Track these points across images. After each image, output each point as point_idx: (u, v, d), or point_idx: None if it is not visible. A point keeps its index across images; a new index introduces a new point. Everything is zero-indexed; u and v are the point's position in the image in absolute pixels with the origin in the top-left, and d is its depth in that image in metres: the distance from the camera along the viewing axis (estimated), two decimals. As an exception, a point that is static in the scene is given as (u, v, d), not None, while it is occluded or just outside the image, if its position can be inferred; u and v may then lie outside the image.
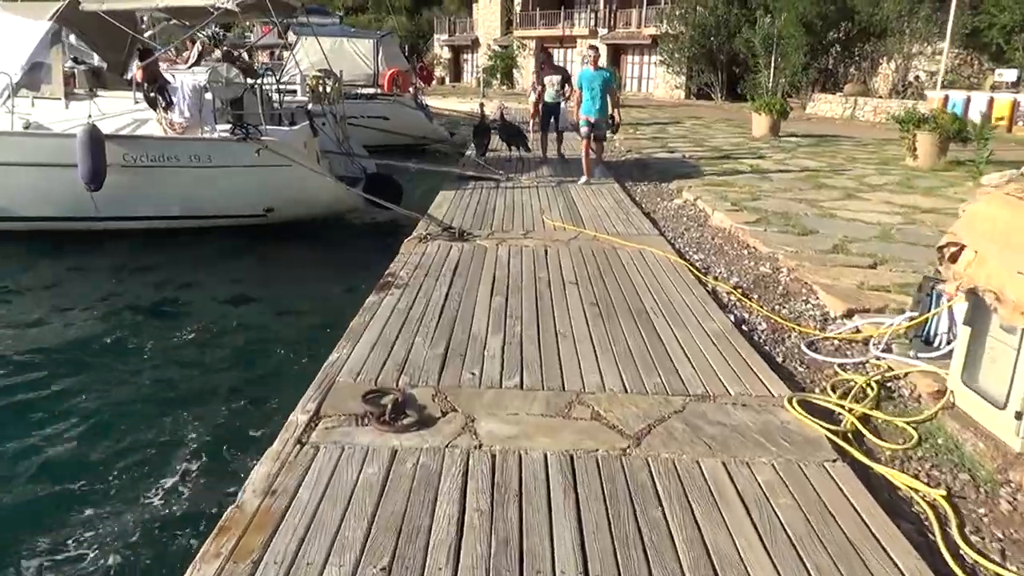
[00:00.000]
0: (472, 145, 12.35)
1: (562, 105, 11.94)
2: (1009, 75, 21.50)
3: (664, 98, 34.37)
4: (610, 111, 10.05)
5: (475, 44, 46.87)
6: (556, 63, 12.89)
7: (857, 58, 28.02)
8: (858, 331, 4.53)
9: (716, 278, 5.79)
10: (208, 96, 8.73)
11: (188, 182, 8.72)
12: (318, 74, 11.09)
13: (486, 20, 45.87)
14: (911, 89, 24.50)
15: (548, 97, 11.76)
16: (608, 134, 10.57)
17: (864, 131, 19.66)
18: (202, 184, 8.78)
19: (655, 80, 36.16)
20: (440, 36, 50.22)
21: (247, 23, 18.26)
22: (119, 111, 9.00)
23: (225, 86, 8.60)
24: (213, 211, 9.09)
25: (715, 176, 10.87)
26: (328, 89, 10.82)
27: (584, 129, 9.92)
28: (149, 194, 8.86)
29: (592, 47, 10.63)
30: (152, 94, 8.78)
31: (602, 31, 37.54)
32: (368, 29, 17.83)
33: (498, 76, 43.09)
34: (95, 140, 8.15)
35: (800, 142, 15.84)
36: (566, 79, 11.95)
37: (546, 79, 11.75)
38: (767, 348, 4.41)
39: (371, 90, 16.93)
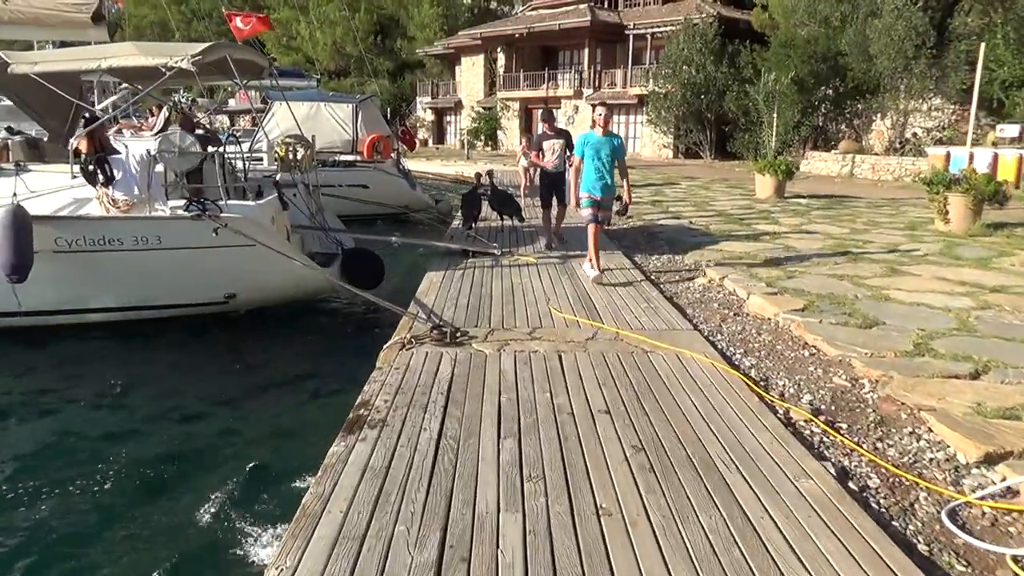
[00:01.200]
0: (460, 215, 11.17)
1: (568, 176, 9.14)
2: (1011, 130, 20.85)
3: (652, 157, 33.76)
4: (618, 188, 7.97)
5: (458, 106, 46.49)
6: (558, 125, 10.48)
7: (848, 115, 27.56)
8: (1014, 492, 3.26)
9: (783, 397, 4.53)
10: (159, 168, 7.52)
11: (134, 268, 7.43)
12: (289, 140, 9.94)
13: (469, 82, 45.59)
14: (909, 146, 23.88)
15: (550, 166, 9.63)
16: (614, 217, 8.38)
17: (869, 190, 18.81)
18: (151, 270, 7.49)
19: (642, 139, 35.64)
20: (423, 99, 49.91)
21: (229, 86, 17.16)
22: (54, 187, 7.75)
23: (178, 156, 7.37)
24: (164, 300, 7.78)
25: (733, 246, 9.73)
26: (299, 156, 9.66)
27: (588, 211, 7.69)
28: (87, 283, 7.56)
29: (602, 104, 8.30)
30: (91, 167, 7.54)
31: (587, 91, 37.14)
32: (348, 94, 16.94)
33: (482, 138, 42.54)
34: (19, 223, 6.87)
35: (810, 204, 14.86)
36: (569, 144, 9.55)
37: (546, 144, 9.54)
38: (894, 521, 3.12)
39: (350, 157, 15.84)
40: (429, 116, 49.96)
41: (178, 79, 8.37)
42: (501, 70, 42.09)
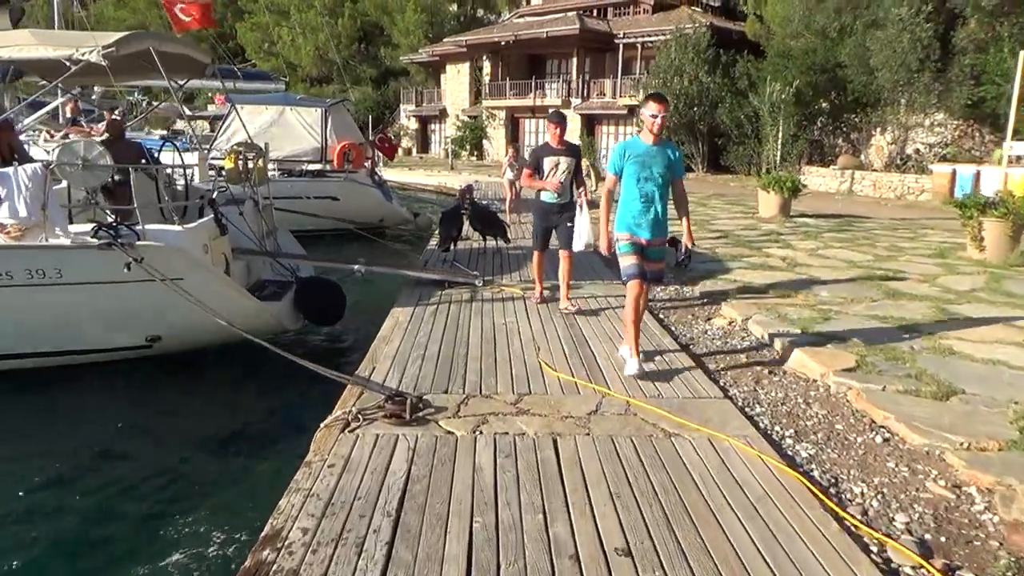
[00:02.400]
0: (438, 234, 9.87)
1: (579, 208, 6.59)
2: (1020, 148, 19.91)
3: (642, 170, 32.63)
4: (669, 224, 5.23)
5: (443, 114, 45.26)
6: (566, 139, 6.97)
7: (846, 129, 26.59)
8: None
9: (867, 515, 3.26)
10: (60, 185, 6.17)
11: (28, 307, 6.06)
12: (238, 148, 8.60)
13: (454, 90, 44.39)
14: (911, 162, 22.89)
15: (548, 195, 6.69)
16: (673, 267, 6.05)
17: (875, 209, 17.72)
18: (49, 309, 6.12)
19: (632, 151, 34.50)
20: (407, 106, 48.63)
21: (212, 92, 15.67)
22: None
23: (82, 169, 6.02)
24: (69, 345, 6.41)
25: (748, 275, 8.49)
26: (248, 165, 8.31)
27: (631, 262, 4.93)
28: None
29: (657, 97, 4.98)
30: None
31: (575, 101, 36.03)
32: (317, 97, 15.65)
33: (467, 147, 41.30)
34: None
35: (819, 225, 13.69)
36: (579, 164, 6.86)
37: (546, 160, 6.65)
38: None
39: (319, 166, 14.51)
40: (413, 124, 48.71)
41: (92, 76, 7.04)
42: (487, 78, 40.94)
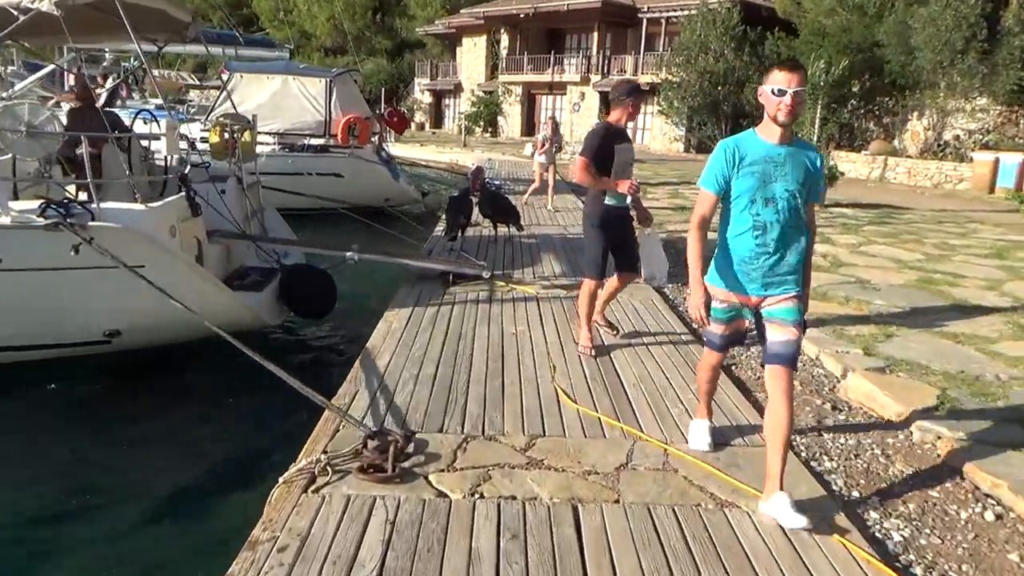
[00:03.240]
0: (444, 219, 8.98)
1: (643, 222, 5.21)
2: (1068, 137, 18.76)
3: (661, 151, 31.56)
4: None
5: (458, 89, 44.10)
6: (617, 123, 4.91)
7: (878, 112, 25.36)
8: None
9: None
10: (7, 156, 5.32)
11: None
12: (224, 120, 7.72)
13: (470, 64, 43.18)
14: (948, 149, 21.71)
15: (615, 197, 4.82)
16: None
17: (912, 198, 16.66)
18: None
19: (652, 131, 33.38)
20: (421, 80, 47.46)
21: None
22: None
23: (26, 137, 5.15)
24: (13, 340, 5.60)
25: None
26: (233, 138, 7.43)
27: (718, 332, 3.39)
28: None
29: (791, 65, 2.98)
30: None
31: (595, 78, 34.83)
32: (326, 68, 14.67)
33: (481, 123, 40.20)
34: None
35: (857, 216, 12.70)
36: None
37: (619, 154, 4.78)
38: None
39: (322, 141, 13.60)
40: (427, 99, 47.58)
41: (50, 35, 6.17)
42: (504, 52, 39.73)
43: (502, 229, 9.25)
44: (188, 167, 6.18)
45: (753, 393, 4.53)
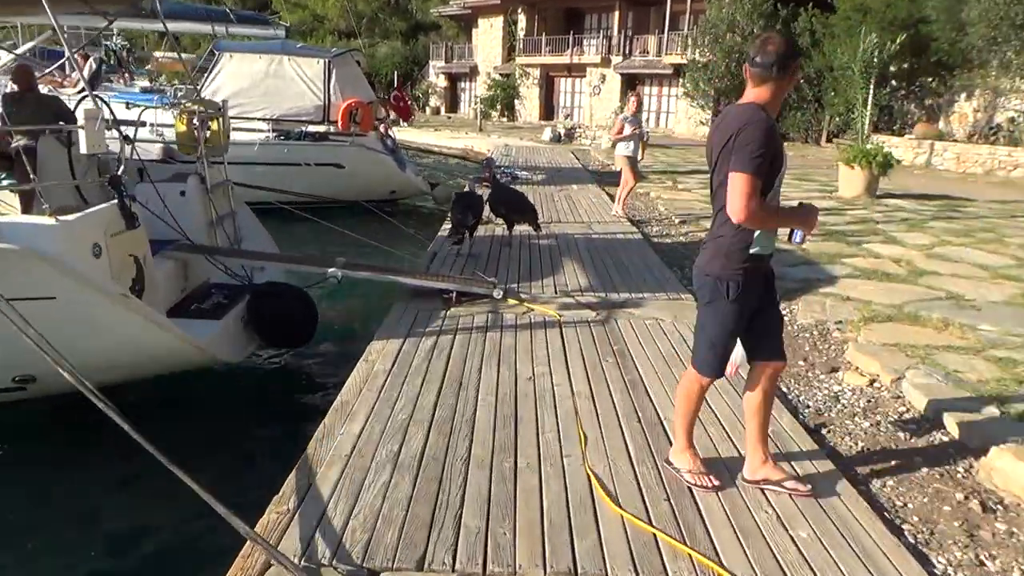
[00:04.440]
0: (449, 219, 7.73)
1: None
2: None
3: (687, 135, 30.02)
4: None
5: (474, 72, 42.68)
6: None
7: (921, 93, 23.73)
8: None
9: None
10: None
11: None
12: (189, 106, 6.51)
13: (486, 46, 41.72)
14: (1001, 133, 20.08)
15: (767, 241, 2.77)
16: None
17: (966, 187, 15.18)
18: None
19: (676, 115, 31.81)
20: (436, 63, 46.06)
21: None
22: None
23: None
24: None
25: (861, 288, 6.28)
26: (199, 127, 6.21)
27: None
28: None
29: None
30: None
31: (616, 59, 33.29)
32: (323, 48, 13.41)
33: (498, 107, 38.80)
34: None
35: (917, 210, 11.30)
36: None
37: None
38: None
39: (322, 128, 12.38)
40: (442, 82, 46.22)
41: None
42: (521, 34, 38.22)
43: (519, 228, 8.01)
44: (122, 167, 4.95)
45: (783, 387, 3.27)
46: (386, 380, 4.07)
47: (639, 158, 10.14)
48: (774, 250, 2.83)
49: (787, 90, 2.74)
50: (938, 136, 20.86)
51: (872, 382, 4.36)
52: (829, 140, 26.55)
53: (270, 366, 5.98)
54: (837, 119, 24.42)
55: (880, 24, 20.93)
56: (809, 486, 2.95)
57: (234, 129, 12.16)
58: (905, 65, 22.68)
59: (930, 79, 23.03)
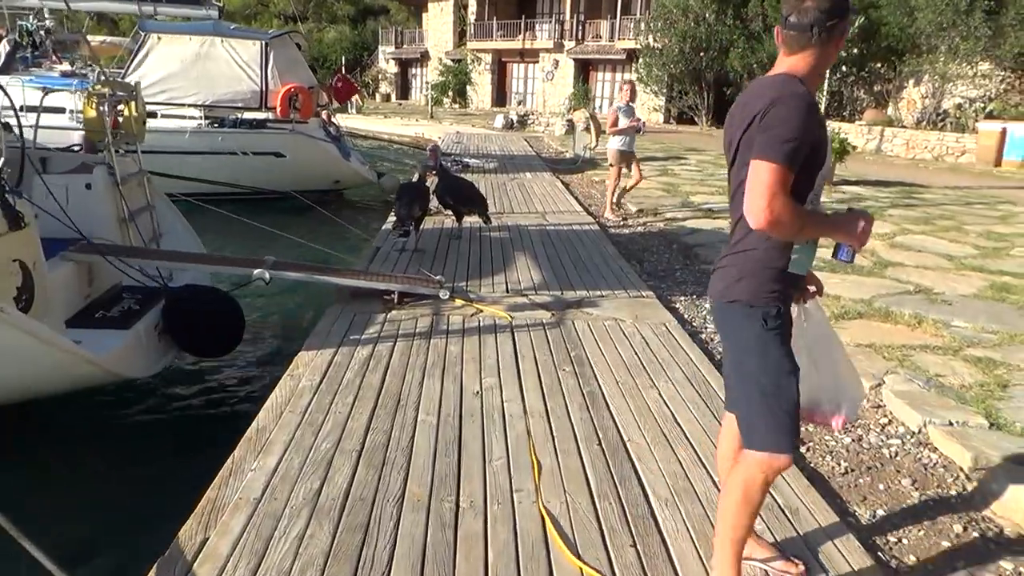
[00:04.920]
0: (395, 212, 7.19)
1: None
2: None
3: (641, 122, 29.73)
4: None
5: (425, 57, 41.86)
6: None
7: (870, 79, 23.85)
8: None
9: None
10: None
11: None
12: (99, 88, 5.85)
13: (436, 31, 40.92)
14: (949, 119, 20.25)
15: (805, 255, 2.06)
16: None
17: (918, 173, 15.20)
18: None
19: (629, 101, 31.54)
20: (386, 48, 45.05)
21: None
22: None
23: None
24: None
25: (826, 280, 5.98)
26: (108, 111, 5.57)
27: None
28: None
29: None
30: None
31: (568, 44, 32.89)
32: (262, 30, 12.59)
33: (450, 93, 38.10)
34: None
35: (875, 197, 11.15)
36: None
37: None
38: None
39: (260, 115, 11.68)
40: (392, 68, 45.27)
41: None
42: (472, 18, 37.55)
43: (468, 220, 7.53)
44: (2, 157, 4.32)
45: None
46: (312, 399, 3.57)
47: (632, 150, 9.03)
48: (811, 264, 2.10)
49: (832, 58, 2.03)
50: (888, 122, 20.95)
51: (905, 434, 4.00)
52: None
53: (181, 382, 5.37)
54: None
55: (831, 9, 20.87)
56: (801, 568, 2.39)
57: (164, 116, 11.57)
58: (855, 50, 22.74)
59: (879, 65, 23.14)
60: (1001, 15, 18.59)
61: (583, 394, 3.76)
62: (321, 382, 3.77)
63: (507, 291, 5.62)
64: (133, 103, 5.99)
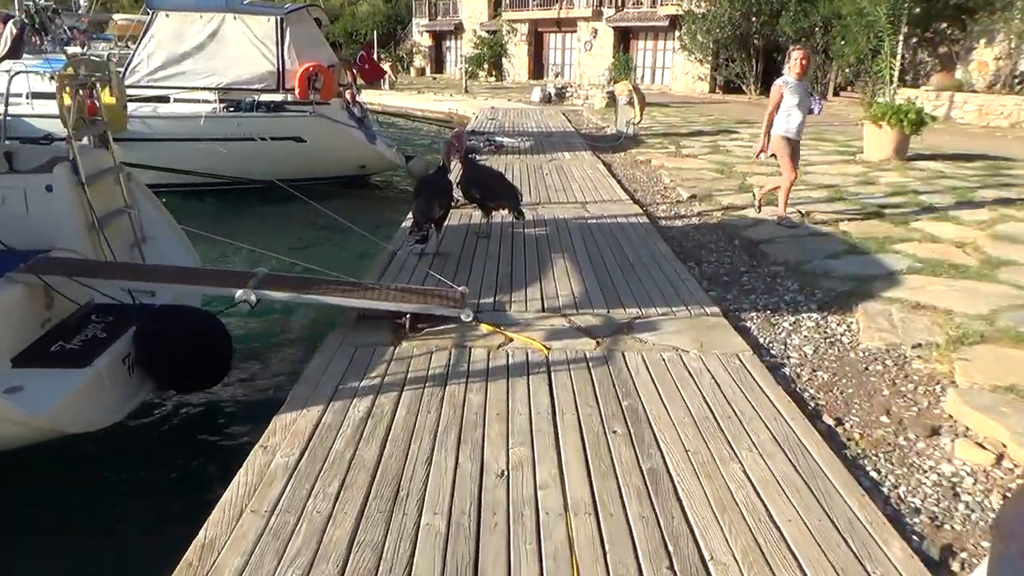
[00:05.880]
0: (413, 211, 6.24)
1: None
2: None
3: (684, 92, 28.33)
4: None
5: (459, 29, 40.66)
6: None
7: (935, 41, 22.10)
8: None
9: None
10: None
11: None
12: (70, 71, 5.04)
13: (471, 2, 39.65)
14: (1026, 82, 18.57)
15: None
16: None
17: (996, 143, 13.76)
18: None
19: (672, 70, 30.10)
20: (420, 21, 43.92)
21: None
22: None
23: None
24: None
25: (929, 286, 4.93)
26: (73, 95, 4.77)
27: None
28: None
29: None
30: None
31: (608, 11, 31.42)
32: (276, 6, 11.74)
33: (485, 66, 36.94)
34: None
35: (958, 175, 9.88)
36: None
37: None
38: None
39: (277, 97, 10.85)
40: (427, 41, 44.17)
41: None
42: (507, -14, 36.23)
43: (498, 215, 6.61)
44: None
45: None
46: (284, 489, 2.71)
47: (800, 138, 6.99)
48: None
49: None
50: (958, 87, 19.32)
51: (999, 459, 3.02)
52: (836, 93, 24.98)
53: (150, 424, 4.56)
54: (847, 70, 22.82)
55: (896, -35, 19.20)
56: None
57: (177, 100, 10.81)
58: (918, 9, 21.01)
59: (945, 24, 21.40)
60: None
61: (642, 472, 2.85)
62: (300, 459, 2.91)
63: (542, 308, 4.70)
64: (108, 85, 5.18)
